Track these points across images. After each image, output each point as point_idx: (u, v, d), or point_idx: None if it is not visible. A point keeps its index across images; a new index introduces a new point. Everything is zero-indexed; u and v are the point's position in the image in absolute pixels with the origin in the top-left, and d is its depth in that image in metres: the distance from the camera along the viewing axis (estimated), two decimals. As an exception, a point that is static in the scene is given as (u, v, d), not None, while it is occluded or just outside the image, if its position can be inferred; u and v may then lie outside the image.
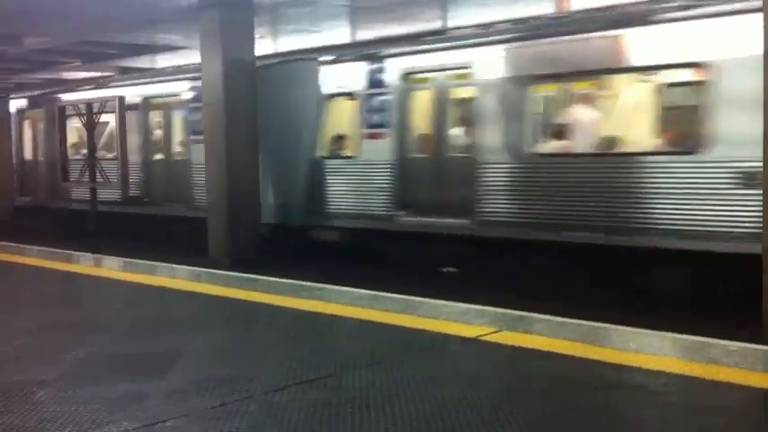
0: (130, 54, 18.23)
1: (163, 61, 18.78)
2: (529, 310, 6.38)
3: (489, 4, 12.81)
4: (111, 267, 10.14)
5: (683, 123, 8.94)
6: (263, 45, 14.60)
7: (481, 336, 6.11)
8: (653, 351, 5.45)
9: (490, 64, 10.02)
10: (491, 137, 9.96)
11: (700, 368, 5.13)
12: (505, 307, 6.53)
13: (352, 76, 11.54)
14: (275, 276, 8.47)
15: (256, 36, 12.41)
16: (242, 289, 8.42)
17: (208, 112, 12.19)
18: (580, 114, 9.67)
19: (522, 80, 9.73)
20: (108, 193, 14.19)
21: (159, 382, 5.08)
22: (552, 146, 9.81)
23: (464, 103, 10.72)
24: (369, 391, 4.80)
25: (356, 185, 11.45)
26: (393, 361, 5.53)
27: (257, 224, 12.13)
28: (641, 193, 8.73)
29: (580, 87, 9.92)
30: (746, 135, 7.46)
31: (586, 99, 9.86)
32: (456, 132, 10.82)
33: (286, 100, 12.13)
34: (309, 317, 7.13)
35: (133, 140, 14.10)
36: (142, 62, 19.16)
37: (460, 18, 13.37)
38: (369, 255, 10.98)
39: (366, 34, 14.87)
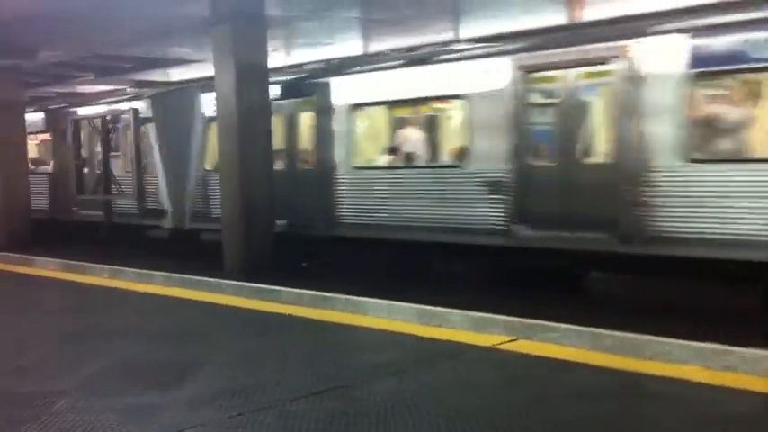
0: (143, 67, 18.37)
1: (176, 74, 18.91)
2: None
3: (501, 16, 12.87)
4: (126, 278, 10.19)
5: (458, 143, 11.12)
6: (277, 58, 14.67)
7: (498, 345, 6.09)
8: (669, 358, 5.43)
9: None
10: (327, 153, 12.12)
11: (717, 375, 5.10)
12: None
13: None
14: (290, 286, 8.49)
15: (269, 49, 12.48)
16: (257, 299, 8.44)
17: (221, 125, 12.26)
18: (403, 134, 11.91)
19: (349, 107, 11.87)
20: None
21: (176, 391, 5.09)
22: (381, 160, 12.01)
23: (309, 125, 12.70)
24: (387, 402, 4.79)
25: None
26: (411, 371, 5.52)
27: (271, 234, 12.18)
28: (431, 198, 10.80)
29: (399, 113, 12.05)
30: (489, 152, 10.04)
31: (403, 122, 12.02)
32: (303, 149, 12.89)
33: (180, 122, 13.87)
34: (325, 326, 7.14)
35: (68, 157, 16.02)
36: (155, 75, 19.30)
37: (473, 29, 13.41)
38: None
39: (378, 47, 14.92)
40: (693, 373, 5.17)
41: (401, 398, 4.87)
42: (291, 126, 12.91)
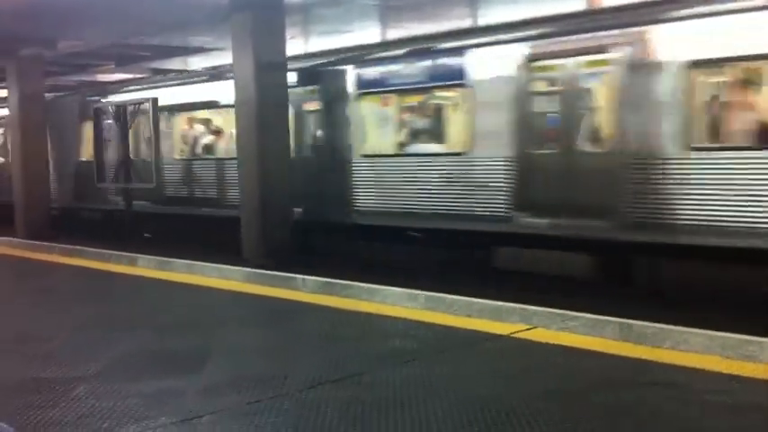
0: (163, 56, 18.45)
1: (195, 63, 18.96)
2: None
3: (519, 2, 12.76)
4: (146, 266, 10.27)
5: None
6: (295, 46, 14.67)
7: (515, 333, 6.09)
8: (689, 348, 5.40)
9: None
10: (164, 147, 15.35)
11: (735, 365, 5.06)
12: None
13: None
14: (308, 274, 8.52)
15: (287, 37, 12.48)
16: (275, 287, 8.48)
17: (240, 113, 12.29)
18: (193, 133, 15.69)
19: (171, 110, 15.52)
20: None
21: (195, 378, 5.13)
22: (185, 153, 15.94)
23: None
24: (402, 389, 4.80)
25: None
26: (427, 358, 5.53)
27: (289, 223, 12.22)
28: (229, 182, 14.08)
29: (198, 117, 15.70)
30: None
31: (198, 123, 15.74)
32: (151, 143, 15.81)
33: (70, 121, 18.18)
34: (342, 314, 7.15)
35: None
36: (174, 64, 19.38)
37: (491, 15, 13.32)
38: (117, 228, 15.78)
39: (396, 33, 14.87)
40: (711, 362, 5.14)
41: (417, 385, 4.88)
42: (142, 126, 16.30)
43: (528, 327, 6.21)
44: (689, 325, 5.64)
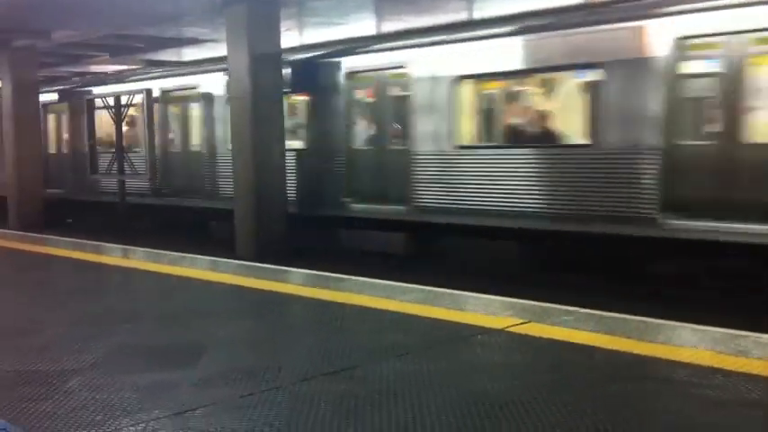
0: (157, 47, 18.37)
1: (189, 54, 18.89)
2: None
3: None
4: (139, 258, 10.25)
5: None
6: (290, 38, 14.62)
7: (509, 327, 6.09)
8: (682, 343, 5.42)
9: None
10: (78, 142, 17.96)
11: (728, 360, 5.08)
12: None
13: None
14: (302, 267, 8.52)
15: (282, 29, 12.45)
16: (268, 280, 8.47)
17: (235, 106, 12.25)
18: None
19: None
20: None
21: (188, 371, 5.13)
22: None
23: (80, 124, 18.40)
24: (396, 383, 4.81)
25: None
26: (421, 352, 5.53)
27: (283, 216, 12.21)
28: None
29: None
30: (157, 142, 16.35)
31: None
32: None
33: None
34: (335, 308, 7.15)
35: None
36: (168, 55, 19.31)
37: (487, 8, 13.29)
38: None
39: (392, 26, 14.84)
40: (704, 357, 5.16)
41: (411, 379, 4.88)
42: (69, 123, 19.29)
43: (522, 321, 6.22)
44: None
